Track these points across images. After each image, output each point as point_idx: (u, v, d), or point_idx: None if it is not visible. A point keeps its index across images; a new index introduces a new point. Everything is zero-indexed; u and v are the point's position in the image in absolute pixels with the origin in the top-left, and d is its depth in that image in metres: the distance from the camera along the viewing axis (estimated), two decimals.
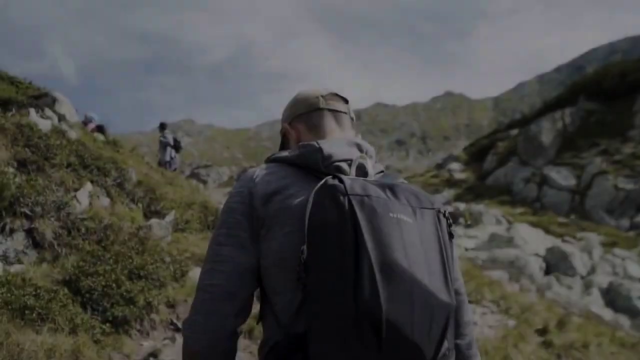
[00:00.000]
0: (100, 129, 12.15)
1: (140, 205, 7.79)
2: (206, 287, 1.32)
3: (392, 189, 1.24)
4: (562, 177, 30.28)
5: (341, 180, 1.21)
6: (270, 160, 1.47)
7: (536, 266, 17.45)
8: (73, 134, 8.38)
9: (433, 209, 1.27)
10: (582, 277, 17.71)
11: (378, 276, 1.08)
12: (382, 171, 1.48)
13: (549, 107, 37.52)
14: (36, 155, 6.37)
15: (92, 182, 7.14)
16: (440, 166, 43.49)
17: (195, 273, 6.43)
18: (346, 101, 1.62)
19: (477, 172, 37.11)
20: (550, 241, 21.62)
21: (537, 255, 18.89)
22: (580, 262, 18.07)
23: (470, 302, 9.96)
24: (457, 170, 38.69)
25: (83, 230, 5.82)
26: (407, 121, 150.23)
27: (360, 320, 1.06)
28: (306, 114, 1.57)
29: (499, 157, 36.29)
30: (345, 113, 1.60)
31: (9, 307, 4.06)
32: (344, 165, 1.35)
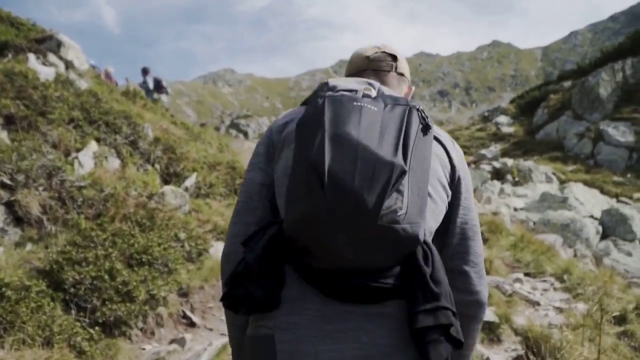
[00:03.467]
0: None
1: (157, 166, 6.79)
2: (236, 206, 1.57)
3: (375, 97, 1.39)
4: (620, 132, 28.29)
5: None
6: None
7: (592, 230, 16.11)
8: (83, 84, 7.37)
9: (407, 105, 1.36)
10: None
11: (327, 142, 1.23)
12: None
13: (607, 58, 34.86)
14: (29, 109, 5.37)
15: (98, 140, 6.15)
16: (486, 119, 41.50)
17: (216, 250, 5.45)
18: (395, 58, 1.71)
19: (527, 126, 35.11)
20: (606, 202, 20.16)
21: (592, 217, 17.53)
22: (639, 225, 16.62)
23: (528, 274, 8.93)
24: (505, 124, 36.75)
25: (80, 201, 4.84)
26: (451, 71, 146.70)
27: (309, 173, 1.22)
28: (352, 75, 1.70)
29: (550, 110, 34.17)
30: (389, 71, 1.69)
31: None
32: (347, 94, 1.41)
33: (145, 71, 14.63)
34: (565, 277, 8.86)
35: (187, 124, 10.49)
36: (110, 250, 4.21)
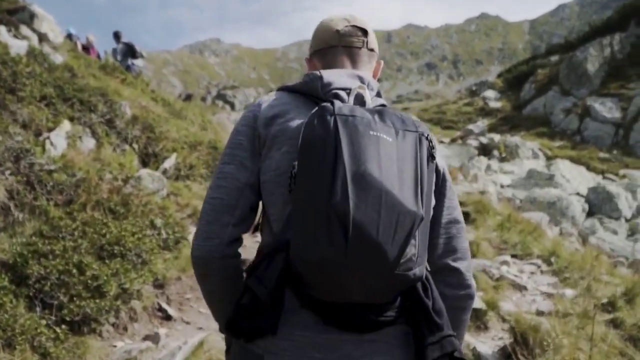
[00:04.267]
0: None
1: (135, 146, 6.50)
2: (209, 200, 1.46)
3: (380, 113, 1.35)
4: (607, 108, 28.23)
5: (332, 104, 1.32)
6: (278, 89, 1.59)
7: (578, 207, 16.07)
8: (58, 58, 7.02)
9: (416, 132, 1.35)
10: (627, 220, 16.29)
11: (350, 183, 1.19)
12: (383, 105, 1.52)
13: (595, 32, 34.63)
14: None
15: (72, 119, 5.85)
16: (473, 93, 41.32)
17: None
18: (365, 32, 1.66)
19: (514, 101, 34.98)
20: (592, 179, 20.14)
21: (578, 194, 17.47)
22: (625, 203, 16.58)
23: (515, 256, 8.83)
24: (492, 99, 36.57)
25: (50, 186, 4.57)
26: (439, 44, 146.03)
27: (331, 219, 1.18)
28: (322, 51, 1.65)
29: (538, 85, 34.01)
30: (360, 48, 1.64)
31: None
32: (342, 93, 1.44)
33: (117, 36, 13.71)
34: (552, 259, 8.75)
35: (168, 99, 10.12)
36: (79, 241, 3.96)
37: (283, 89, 1.58)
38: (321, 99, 1.44)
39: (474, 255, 8.21)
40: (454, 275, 1.55)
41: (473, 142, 24.16)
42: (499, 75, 44.55)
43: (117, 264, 3.98)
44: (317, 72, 1.48)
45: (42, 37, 7.24)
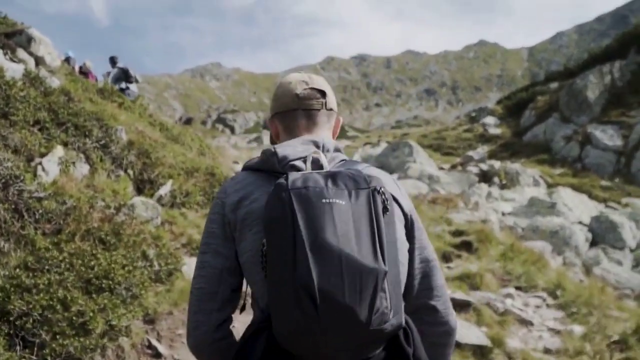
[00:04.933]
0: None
1: (130, 172, 6.31)
2: (193, 290, 1.57)
3: (333, 176, 1.39)
4: (608, 136, 28.15)
5: (287, 178, 1.38)
6: (243, 169, 1.66)
7: (581, 237, 15.79)
8: (54, 81, 6.87)
9: (368, 188, 1.39)
10: (632, 251, 16.01)
11: (310, 255, 1.25)
12: (343, 160, 1.61)
13: (595, 59, 34.74)
14: None
15: (66, 144, 5.67)
16: (473, 119, 41.37)
17: (189, 268, 5.00)
18: (323, 94, 1.72)
19: (514, 127, 34.99)
20: (595, 207, 19.92)
21: (581, 223, 17.22)
22: (629, 233, 16.32)
23: (519, 288, 8.58)
24: (492, 125, 36.56)
25: (39, 214, 4.36)
26: (438, 70, 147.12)
27: (299, 293, 1.24)
28: (282, 114, 1.71)
29: (538, 112, 34.01)
30: (319, 110, 1.70)
31: None
32: (299, 163, 1.51)
33: (113, 60, 13.51)
34: (557, 292, 8.51)
35: (166, 124, 9.94)
36: (66, 274, 3.73)
37: (246, 168, 1.64)
38: (280, 173, 1.49)
39: (477, 288, 8.01)
40: (431, 313, 1.61)
41: (473, 168, 24.05)
42: (499, 102, 44.67)
43: (104, 298, 3.76)
44: (272, 149, 1.54)
45: (39, 61, 7.11)
